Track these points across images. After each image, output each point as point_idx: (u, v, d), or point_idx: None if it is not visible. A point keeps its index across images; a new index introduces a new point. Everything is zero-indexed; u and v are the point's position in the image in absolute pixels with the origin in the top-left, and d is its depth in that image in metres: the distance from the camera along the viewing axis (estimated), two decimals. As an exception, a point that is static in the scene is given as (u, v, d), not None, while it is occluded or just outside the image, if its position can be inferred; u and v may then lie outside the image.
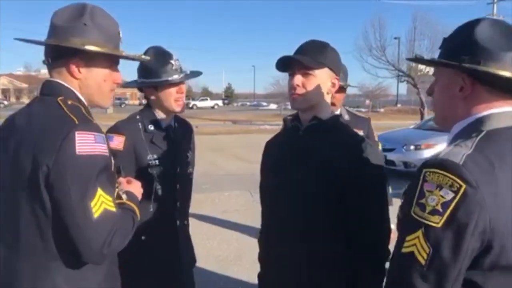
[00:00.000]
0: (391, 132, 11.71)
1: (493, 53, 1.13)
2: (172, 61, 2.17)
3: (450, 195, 1.00)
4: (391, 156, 9.82)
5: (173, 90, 2.18)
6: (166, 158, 2.17)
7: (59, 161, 1.28)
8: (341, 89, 2.99)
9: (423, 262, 1.00)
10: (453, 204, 0.99)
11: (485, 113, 1.17)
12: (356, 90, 54.89)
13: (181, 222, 2.28)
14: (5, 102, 55.73)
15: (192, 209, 2.49)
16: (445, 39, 1.27)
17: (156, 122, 2.21)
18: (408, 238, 1.05)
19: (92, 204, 1.30)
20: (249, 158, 12.52)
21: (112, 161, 1.45)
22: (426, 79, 27.46)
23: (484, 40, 1.14)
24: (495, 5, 28.27)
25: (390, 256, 1.62)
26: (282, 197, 1.69)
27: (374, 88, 45.59)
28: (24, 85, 66.05)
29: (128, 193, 1.62)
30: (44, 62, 1.55)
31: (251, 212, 6.68)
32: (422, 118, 21.39)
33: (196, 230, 3.60)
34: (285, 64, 1.68)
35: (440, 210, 1.00)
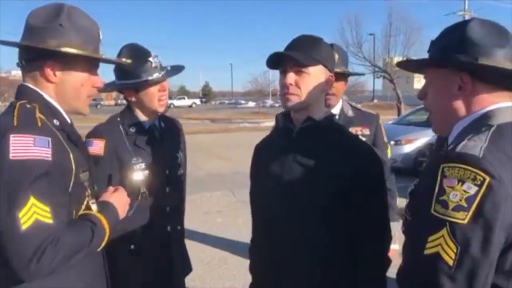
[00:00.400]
0: (370, 128, 11.71)
1: (487, 50, 1.14)
2: (151, 59, 2.03)
3: (474, 189, 0.96)
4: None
5: (155, 89, 2.05)
6: (153, 160, 2.04)
7: None
8: (341, 77, 2.55)
9: (450, 262, 0.95)
10: (478, 198, 0.95)
11: (490, 108, 1.16)
12: (333, 87, 55.10)
13: (173, 228, 2.14)
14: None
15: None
16: (433, 42, 1.27)
17: (138, 124, 2.07)
18: (430, 238, 0.99)
19: (21, 214, 1.18)
20: (230, 157, 12.42)
21: (73, 166, 1.35)
22: (401, 74, 27.84)
23: (477, 37, 1.15)
24: (466, 1, 28.80)
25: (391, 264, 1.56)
26: (276, 205, 1.58)
27: (350, 84, 46.04)
28: (-7, 87, 64.05)
29: (103, 203, 1.51)
30: (18, 64, 1.46)
31: (234, 213, 6.58)
32: (399, 113, 21.66)
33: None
34: (276, 61, 1.57)
35: (465, 205, 0.96)
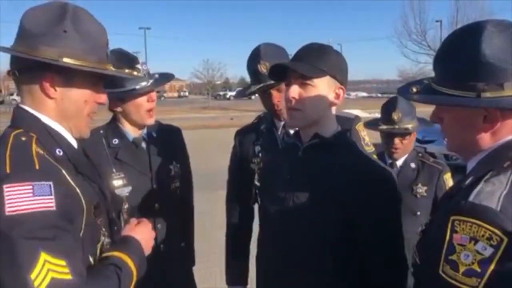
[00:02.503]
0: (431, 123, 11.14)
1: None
2: (139, 66, 1.82)
3: (489, 250, 0.81)
4: (431, 148, 9.44)
5: (143, 100, 1.88)
6: (138, 175, 1.90)
7: None
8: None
9: None
10: (494, 263, 0.80)
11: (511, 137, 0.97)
12: (396, 76, 53.33)
13: (166, 247, 1.95)
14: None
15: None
16: (440, 58, 1.04)
17: (122, 136, 1.92)
18: None
19: (33, 276, 0.97)
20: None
21: (83, 206, 1.15)
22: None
23: (498, 56, 0.92)
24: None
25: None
26: (282, 227, 1.45)
27: (415, 74, 44.12)
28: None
29: (125, 239, 1.31)
30: (9, 73, 1.24)
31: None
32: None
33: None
34: (280, 73, 1.43)
35: (478, 270, 0.81)
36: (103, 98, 1.33)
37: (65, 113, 1.24)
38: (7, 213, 0.99)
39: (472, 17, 24.97)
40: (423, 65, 33.54)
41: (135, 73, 1.62)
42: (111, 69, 1.29)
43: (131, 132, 1.94)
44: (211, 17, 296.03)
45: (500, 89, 0.91)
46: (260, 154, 2.00)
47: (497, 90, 0.91)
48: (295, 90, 1.38)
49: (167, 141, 2.07)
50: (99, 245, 1.25)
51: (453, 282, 0.83)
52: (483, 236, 0.81)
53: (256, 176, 1.99)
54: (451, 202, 0.96)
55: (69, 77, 1.21)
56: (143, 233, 1.37)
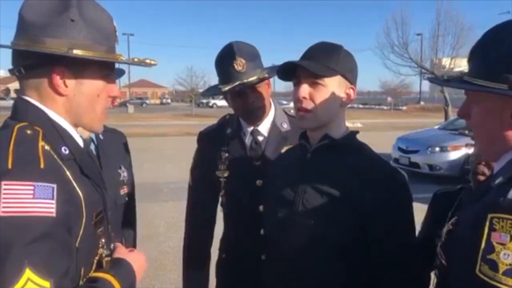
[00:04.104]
0: (415, 133, 11.33)
1: None
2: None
3: None
4: (415, 158, 9.57)
5: None
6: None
7: None
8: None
9: None
10: None
11: None
12: (378, 87, 54.03)
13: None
14: None
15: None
16: (475, 51, 1.02)
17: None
18: None
19: None
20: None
21: (83, 213, 1.05)
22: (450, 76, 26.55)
23: None
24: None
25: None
26: (290, 231, 1.38)
27: (396, 85, 44.78)
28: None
29: (117, 261, 1.19)
30: (11, 72, 1.12)
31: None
32: (446, 116, 20.76)
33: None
34: (289, 72, 1.38)
35: None
36: (116, 90, 1.23)
37: (77, 109, 1.13)
38: (0, 213, 0.89)
39: (452, 30, 25.47)
40: (405, 77, 34.01)
41: (148, 61, 1.46)
42: (121, 59, 1.19)
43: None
44: (195, 24, 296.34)
45: None
46: (227, 162, 1.83)
47: None
48: (305, 90, 1.33)
49: (115, 145, 1.94)
50: (96, 258, 1.14)
51: (492, 282, 0.79)
52: None
53: (222, 185, 1.84)
54: (484, 200, 0.92)
55: (80, 70, 1.11)
56: (137, 260, 1.24)
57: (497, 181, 0.93)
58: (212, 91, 1.92)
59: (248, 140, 1.85)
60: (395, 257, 1.28)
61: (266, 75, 1.77)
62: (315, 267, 1.33)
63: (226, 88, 1.72)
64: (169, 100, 79.89)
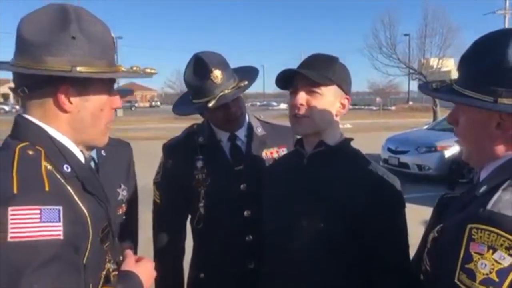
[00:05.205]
0: (404, 134, 11.45)
1: None
2: None
3: (508, 260, 0.80)
4: (404, 158, 9.66)
5: None
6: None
7: None
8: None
9: None
10: None
11: None
12: (366, 88, 54.41)
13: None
14: None
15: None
16: (465, 60, 1.04)
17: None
18: None
19: None
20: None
21: (90, 231, 1.04)
22: (437, 76, 26.92)
23: None
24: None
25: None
26: (286, 237, 1.43)
27: (384, 86, 45.09)
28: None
29: (125, 274, 1.18)
30: (14, 90, 1.10)
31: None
32: (435, 116, 20.97)
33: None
34: (287, 80, 1.42)
35: (496, 279, 0.80)
36: (118, 101, 1.22)
37: (81, 124, 1.13)
38: (9, 239, 0.90)
39: (439, 31, 25.78)
40: (393, 78, 34.29)
41: (148, 70, 1.37)
42: (122, 70, 1.19)
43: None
44: (184, 28, 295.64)
45: None
46: (205, 170, 1.76)
47: None
48: (303, 97, 1.38)
49: (117, 160, 1.79)
50: (103, 273, 1.14)
51: None
52: (501, 245, 0.80)
53: (202, 195, 1.76)
54: (466, 210, 0.95)
55: (83, 86, 1.10)
56: (145, 272, 1.23)
57: (482, 189, 0.96)
58: (189, 109, 1.80)
59: (226, 146, 1.81)
60: (388, 260, 1.33)
61: (246, 82, 1.73)
62: (312, 271, 1.37)
63: (211, 104, 1.63)
64: (158, 103, 79.54)
